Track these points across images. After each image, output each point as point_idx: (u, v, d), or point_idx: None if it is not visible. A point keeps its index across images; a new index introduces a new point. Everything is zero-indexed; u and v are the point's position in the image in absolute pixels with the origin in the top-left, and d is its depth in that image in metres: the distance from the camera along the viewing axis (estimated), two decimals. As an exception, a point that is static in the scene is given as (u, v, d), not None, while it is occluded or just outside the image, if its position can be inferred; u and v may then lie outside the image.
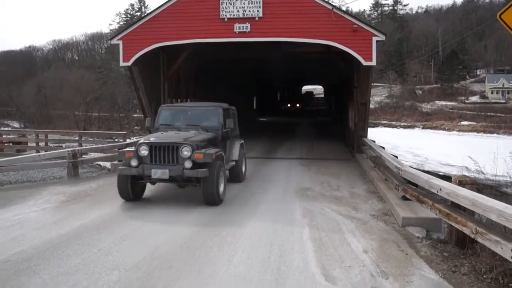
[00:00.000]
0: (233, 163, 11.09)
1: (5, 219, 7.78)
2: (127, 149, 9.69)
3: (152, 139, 9.12)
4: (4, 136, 22.23)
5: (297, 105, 47.97)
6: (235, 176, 11.41)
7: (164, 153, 8.71)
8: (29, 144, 20.18)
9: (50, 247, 6.23)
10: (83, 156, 14.63)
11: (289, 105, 48.79)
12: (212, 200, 8.83)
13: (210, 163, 8.72)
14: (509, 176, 11.04)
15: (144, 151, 8.82)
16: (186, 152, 8.62)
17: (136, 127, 55.20)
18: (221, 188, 9.17)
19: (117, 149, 14.42)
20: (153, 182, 9.30)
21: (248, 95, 39.05)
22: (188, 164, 8.55)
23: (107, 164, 14.58)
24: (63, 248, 6.18)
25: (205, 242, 6.50)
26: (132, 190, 9.14)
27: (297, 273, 5.37)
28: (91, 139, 20.53)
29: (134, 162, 8.80)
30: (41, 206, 8.84)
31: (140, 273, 5.33)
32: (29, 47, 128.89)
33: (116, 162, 13.89)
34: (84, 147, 16.28)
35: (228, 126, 10.65)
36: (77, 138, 19.21)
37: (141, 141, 9.23)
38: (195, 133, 9.69)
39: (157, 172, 8.61)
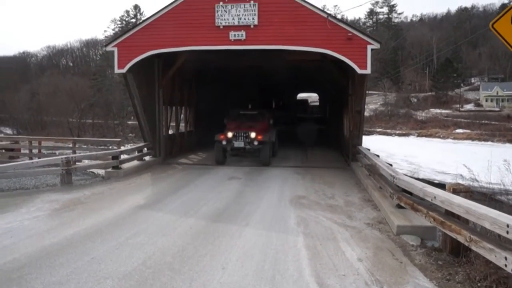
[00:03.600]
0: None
1: (-3, 227, 7.70)
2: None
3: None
4: (-3, 143, 22.07)
5: (252, 135, 15.73)
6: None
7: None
8: (22, 151, 20.05)
9: (42, 255, 6.17)
10: (77, 163, 14.55)
11: (230, 134, 15.86)
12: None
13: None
14: (503, 184, 11.08)
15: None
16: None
17: (130, 134, 55.08)
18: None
19: (111, 157, 14.40)
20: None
21: (242, 103, 38.97)
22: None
23: (101, 172, 14.50)
24: (55, 256, 6.13)
25: (198, 250, 6.46)
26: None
27: (291, 282, 5.34)
28: (85, 146, 20.46)
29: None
30: (34, 213, 8.77)
31: (133, 282, 5.29)
32: (23, 53, 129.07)
33: (110, 169, 13.84)
34: (77, 155, 16.20)
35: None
36: (70, 145, 19.13)
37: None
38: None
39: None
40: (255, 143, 15.51)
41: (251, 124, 16.46)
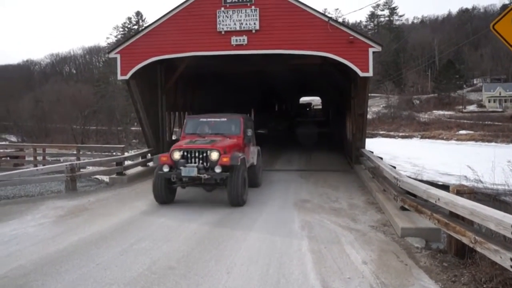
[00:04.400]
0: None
1: (2, 234, 7.73)
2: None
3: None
4: (1, 150, 22.19)
5: (213, 155, 9.84)
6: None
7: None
8: (26, 159, 20.14)
9: (48, 262, 6.19)
10: (81, 170, 14.60)
11: (176, 155, 10.03)
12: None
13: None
14: (508, 185, 11.06)
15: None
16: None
17: (134, 140, 55.18)
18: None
19: (115, 163, 14.44)
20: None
21: (245, 107, 39.03)
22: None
23: (105, 178, 14.55)
24: (61, 263, 6.15)
25: (203, 255, 6.47)
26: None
27: (296, 286, 5.34)
28: (89, 152, 20.52)
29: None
30: (39, 220, 8.80)
31: (138, 287, 5.31)
32: (27, 61, 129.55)
33: (114, 176, 13.89)
34: (82, 161, 16.25)
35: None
36: (75, 152, 19.18)
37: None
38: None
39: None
40: (217, 169, 9.56)
41: (215, 138, 10.80)
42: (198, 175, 9.55)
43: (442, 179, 23.03)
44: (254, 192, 11.77)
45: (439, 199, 6.39)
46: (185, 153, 9.94)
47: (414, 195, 7.89)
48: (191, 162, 9.83)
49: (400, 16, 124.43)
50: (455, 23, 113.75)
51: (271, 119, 37.56)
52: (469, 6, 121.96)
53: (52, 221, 8.78)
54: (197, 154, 9.87)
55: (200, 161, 9.82)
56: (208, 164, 9.75)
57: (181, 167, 9.67)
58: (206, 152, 9.82)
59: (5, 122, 70.69)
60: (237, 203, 9.85)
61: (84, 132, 60.42)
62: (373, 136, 56.29)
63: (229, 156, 9.69)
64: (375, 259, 6.27)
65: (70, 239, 7.37)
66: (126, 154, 17.05)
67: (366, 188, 12.20)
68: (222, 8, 14.44)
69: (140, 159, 16.25)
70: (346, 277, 5.60)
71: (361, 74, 14.07)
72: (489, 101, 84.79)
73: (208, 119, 12.01)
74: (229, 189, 9.75)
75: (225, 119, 11.92)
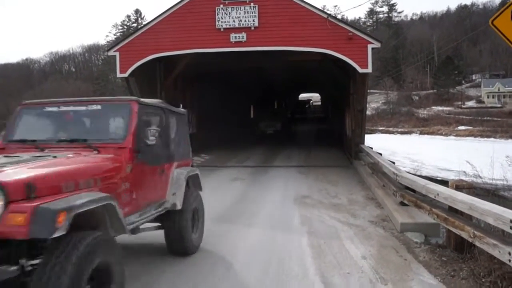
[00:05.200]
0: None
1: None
2: None
3: None
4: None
5: None
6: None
7: None
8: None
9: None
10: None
11: None
12: None
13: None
14: (506, 180, 11.11)
15: None
16: None
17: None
18: None
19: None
20: None
21: (245, 104, 39.01)
22: None
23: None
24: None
25: (202, 251, 6.49)
26: None
27: (296, 281, 5.36)
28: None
29: None
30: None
31: (139, 284, 5.33)
32: (26, 59, 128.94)
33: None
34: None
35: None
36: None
37: None
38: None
39: None
40: None
41: (51, 154, 4.29)
42: None
43: (441, 175, 22.99)
44: (256, 186, 11.74)
45: (438, 194, 6.42)
46: None
47: (413, 190, 7.91)
48: None
49: (399, 12, 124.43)
50: (454, 19, 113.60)
51: (264, 118, 34.41)
52: (468, 2, 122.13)
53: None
54: None
55: None
56: None
57: None
58: None
59: (5, 121, 70.47)
60: None
61: (84, 130, 60.44)
62: (372, 132, 56.17)
63: (31, 208, 3.17)
64: (375, 254, 6.30)
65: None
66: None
67: (365, 184, 12.23)
68: (221, 5, 14.48)
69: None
70: (345, 272, 5.62)
71: (360, 70, 14.12)
72: (488, 97, 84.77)
73: (62, 108, 5.22)
74: None
75: (98, 108, 5.15)
